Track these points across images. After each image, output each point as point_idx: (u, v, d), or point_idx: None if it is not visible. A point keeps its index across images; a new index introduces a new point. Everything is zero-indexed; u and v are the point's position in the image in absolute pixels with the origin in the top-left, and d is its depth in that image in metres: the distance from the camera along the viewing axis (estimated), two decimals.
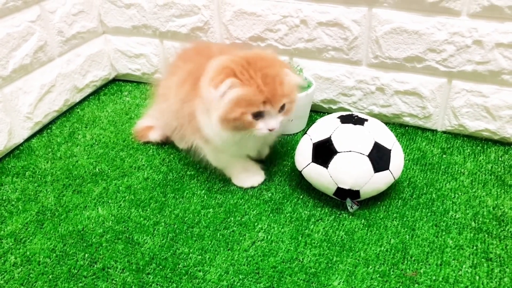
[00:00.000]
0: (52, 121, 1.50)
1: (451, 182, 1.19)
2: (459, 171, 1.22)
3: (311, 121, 1.43)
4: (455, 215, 1.09)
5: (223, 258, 1.00)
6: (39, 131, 1.45)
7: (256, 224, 1.08)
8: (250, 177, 1.20)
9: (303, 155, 1.11)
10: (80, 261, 1.01)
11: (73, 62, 1.53)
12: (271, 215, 1.11)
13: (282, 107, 1.04)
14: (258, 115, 1.01)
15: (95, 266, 0.99)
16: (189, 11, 1.49)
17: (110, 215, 1.12)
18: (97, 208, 1.14)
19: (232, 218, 1.10)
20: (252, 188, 1.19)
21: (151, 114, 1.38)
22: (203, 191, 1.19)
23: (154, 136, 1.36)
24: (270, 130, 1.03)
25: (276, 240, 1.04)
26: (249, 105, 0.99)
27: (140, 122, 1.41)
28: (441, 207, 1.11)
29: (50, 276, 0.97)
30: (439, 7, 1.21)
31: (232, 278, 0.96)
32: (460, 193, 1.15)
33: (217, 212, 1.12)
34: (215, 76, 1.01)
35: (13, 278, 0.97)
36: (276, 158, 1.30)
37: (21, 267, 1.00)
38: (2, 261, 1.01)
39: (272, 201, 1.15)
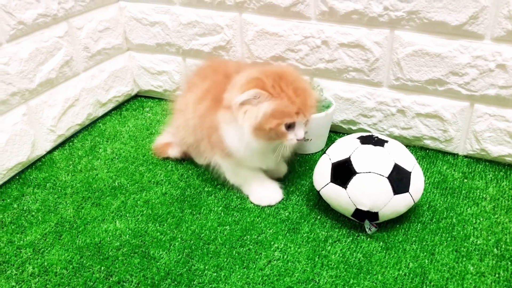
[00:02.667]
0: (74, 134, 1.52)
1: (472, 207, 1.16)
2: (480, 196, 1.20)
3: (330, 141, 1.42)
4: (477, 241, 1.06)
5: (239, 276, 0.99)
6: (61, 144, 1.48)
7: (272, 243, 1.08)
8: (267, 195, 1.20)
9: (321, 175, 1.11)
10: (96, 273, 1.01)
11: (97, 77, 1.57)
12: (287, 234, 1.10)
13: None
14: (290, 126, 1.06)
15: (111, 279, 0.99)
16: (212, 30, 1.51)
17: (128, 229, 1.13)
18: (115, 222, 1.15)
19: (249, 236, 1.10)
20: (270, 206, 1.19)
21: (170, 130, 1.40)
22: (220, 208, 1.19)
23: (173, 152, 1.37)
24: (298, 140, 1.08)
25: (292, 260, 1.03)
26: (284, 116, 1.04)
27: (160, 139, 1.42)
28: (461, 232, 1.09)
29: None
30: (462, 30, 1.21)
31: None
32: (481, 219, 1.13)
33: (233, 230, 1.12)
34: (244, 85, 1.05)
35: None
36: (294, 177, 1.29)
37: (39, 278, 1.00)
38: (20, 270, 1.02)
39: (289, 221, 1.14)
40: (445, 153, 1.38)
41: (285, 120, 1.04)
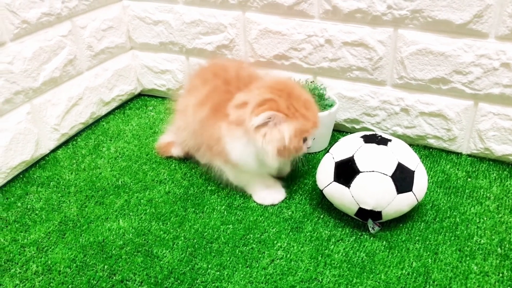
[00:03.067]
0: (78, 133, 1.53)
1: (476, 206, 1.16)
2: (484, 196, 1.20)
3: (333, 140, 1.42)
4: (480, 240, 1.06)
5: (242, 275, 0.99)
6: (65, 143, 1.48)
7: (275, 242, 1.08)
8: (270, 194, 1.19)
9: (324, 174, 1.10)
10: (99, 272, 1.01)
11: (101, 76, 1.57)
12: (290, 233, 1.10)
13: None
14: (305, 139, 1.10)
15: (114, 278, 1.00)
16: (215, 29, 1.51)
17: (131, 228, 1.13)
18: (118, 220, 1.15)
19: (252, 235, 1.10)
20: (273, 205, 1.19)
21: (172, 129, 1.40)
22: (223, 207, 1.19)
23: (176, 151, 1.37)
24: (308, 148, 1.13)
25: (295, 259, 1.03)
26: (302, 133, 1.08)
27: (163, 138, 1.42)
28: (465, 232, 1.08)
29: (69, 286, 0.98)
30: (466, 29, 1.20)
31: None
32: (485, 218, 1.12)
33: (236, 229, 1.12)
34: (258, 107, 1.06)
35: (34, 286, 0.98)
36: (297, 176, 1.29)
37: (42, 276, 1.01)
38: (24, 269, 1.03)
39: (292, 220, 1.14)
40: (448, 152, 1.38)
41: (303, 135, 1.08)
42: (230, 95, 1.14)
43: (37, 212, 1.19)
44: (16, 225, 1.15)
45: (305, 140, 1.10)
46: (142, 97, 1.77)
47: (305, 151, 1.12)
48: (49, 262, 1.04)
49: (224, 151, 1.13)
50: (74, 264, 1.03)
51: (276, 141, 1.06)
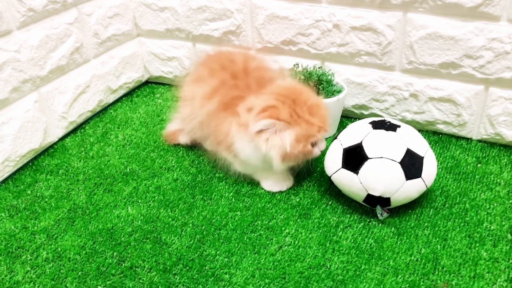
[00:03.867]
0: (86, 121, 1.53)
1: (486, 192, 1.15)
2: (494, 181, 1.18)
3: (342, 127, 1.41)
4: (490, 227, 1.05)
5: (250, 262, 1.00)
6: (73, 131, 1.48)
7: (283, 228, 1.08)
8: (278, 181, 1.19)
9: (333, 161, 1.10)
10: (108, 259, 1.02)
11: (108, 63, 1.57)
12: (299, 220, 1.10)
13: None
14: (315, 143, 1.10)
15: (123, 264, 1.01)
16: (222, 15, 1.50)
17: (139, 215, 1.13)
18: (127, 208, 1.16)
19: (260, 222, 1.10)
20: (280, 192, 1.19)
21: (179, 117, 1.40)
22: (231, 194, 1.19)
23: (184, 139, 1.37)
24: (321, 150, 1.13)
25: (304, 246, 1.03)
26: (308, 138, 1.07)
27: (170, 125, 1.42)
28: (475, 218, 1.08)
29: (79, 273, 0.99)
30: (477, 12, 1.18)
31: (258, 282, 0.95)
32: (495, 204, 1.11)
33: (244, 215, 1.12)
34: (259, 113, 1.07)
35: (45, 273, 0.99)
36: (305, 163, 1.28)
37: (52, 263, 1.02)
38: (35, 256, 1.04)
39: (300, 206, 1.14)
40: (458, 138, 1.36)
41: (309, 140, 1.08)
42: (238, 89, 1.15)
43: (46, 199, 1.20)
44: (26, 213, 1.16)
45: (314, 144, 1.10)
46: (149, 85, 1.77)
47: (318, 154, 1.12)
48: (59, 249, 1.05)
49: (233, 147, 1.14)
50: (84, 251, 1.04)
51: (278, 147, 1.07)
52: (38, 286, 0.97)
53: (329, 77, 1.35)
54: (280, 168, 1.12)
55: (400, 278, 0.94)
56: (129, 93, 1.70)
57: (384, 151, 1.02)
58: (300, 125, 1.06)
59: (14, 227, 1.12)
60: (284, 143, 1.06)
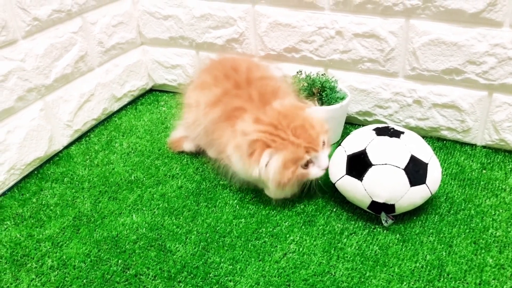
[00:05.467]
0: (91, 129, 1.54)
1: (491, 198, 1.15)
2: (500, 187, 1.18)
3: (345, 133, 1.41)
4: (496, 233, 1.05)
5: (254, 269, 0.99)
6: (78, 139, 1.49)
7: (288, 235, 1.08)
8: None
9: (337, 167, 1.10)
10: (113, 266, 1.02)
11: (112, 72, 1.58)
12: (303, 227, 1.10)
13: (323, 143, 1.09)
14: (307, 164, 1.08)
15: (128, 272, 1.01)
16: (225, 22, 1.51)
17: (144, 222, 1.14)
18: (132, 215, 1.16)
19: (264, 229, 1.10)
20: (285, 199, 1.18)
21: (183, 124, 1.40)
22: (236, 201, 1.19)
23: (188, 146, 1.37)
24: (323, 169, 1.10)
25: (308, 253, 1.03)
26: (295, 161, 1.06)
27: (175, 133, 1.43)
28: (480, 224, 1.07)
29: (84, 281, 0.99)
30: (479, 18, 1.18)
31: None
32: (501, 210, 1.11)
33: (249, 223, 1.12)
34: (253, 153, 1.07)
35: (50, 280, 1.00)
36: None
37: (57, 271, 1.02)
38: (40, 263, 1.04)
39: (305, 213, 1.14)
40: (462, 144, 1.36)
41: (298, 163, 1.06)
42: (240, 100, 1.16)
43: (51, 207, 1.20)
44: (32, 221, 1.16)
45: (308, 163, 1.08)
46: (153, 93, 1.78)
47: (318, 174, 1.10)
48: (64, 257, 1.05)
49: (231, 162, 1.16)
50: (89, 259, 1.04)
51: (272, 177, 1.06)
52: None
53: (332, 84, 1.35)
54: (281, 196, 1.14)
55: (405, 285, 0.94)
56: (134, 101, 1.71)
57: (388, 157, 1.02)
58: (286, 148, 1.05)
59: (20, 235, 1.12)
60: (270, 173, 1.06)
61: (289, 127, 1.06)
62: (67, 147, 1.45)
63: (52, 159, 1.40)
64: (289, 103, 1.14)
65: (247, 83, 1.19)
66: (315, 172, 1.10)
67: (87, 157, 1.40)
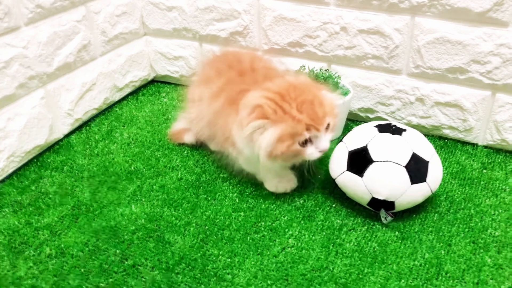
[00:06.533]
0: (91, 119, 1.53)
1: (491, 198, 1.14)
2: (500, 188, 1.18)
3: (347, 130, 1.41)
4: (495, 233, 1.04)
5: (252, 263, 0.99)
6: (79, 128, 1.49)
7: (286, 230, 1.07)
8: (282, 182, 1.19)
9: (337, 163, 1.10)
10: (111, 256, 1.02)
11: (114, 62, 1.57)
12: (302, 222, 1.10)
13: (328, 126, 1.04)
14: (305, 142, 1.02)
15: (126, 262, 1.01)
16: (229, 15, 1.50)
17: (143, 213, 1.13)
18: (131, 206, 1.16)
19: (263, 223, 1.10)
20: (284, 194, 1.18)
21: (185, 116, 1.40)
22: (235, 194, 1.19)
23: (189, 138, 1.37)
24: (321, 151, 1.04)
25: (307, 248, 1.03)
26: (293, 136, 1.01)
27: (176, 125, 1.42)
28: (479, 224, 1.07)
29: (82, 270, 0.99)
30: (485, 17, 1.18)
31: (261, 283, 0.95)
32: (500, 210, 1.11)
33: (248, 216, 1.12)
34: (249, 115, 1.03)
35: (47, 269, 1.00)
36: (304, 164, 1.28)
37: (55, 259, 1.02)
38: (38, 251, 1.04)
39: (304, 208, 1.14)
40: (464, 143, 1.36)
41: (296, 139, 1.01)
42: (245, 85, 1.12)
43: (50, 196, 1.20)
44: (30, 209, 1.16)
45: (306, 142, 1.02)
46: (155, 84, 1.77)
47: (314, 156, 1.04)
48: (62, 245, 1.05)
49: (235, 143, 1.13)
50: (87, 248, 1.04)
51: (263, 148, 1.02)
52: (41, 282, 0.97)
53: (335, 79, 1.35)
54: (272, 166, 1.09)
55: (403, 282, 0.94)
56: (135, 92, 1.70)
57: (390, 154, 1.02)
58: (285, 122, 1.00)
59: (18, 222, 1.12)
60: (264, 143, 1.01)
61: (296, 100, 1.01)
62: (67, 135, 1.45)
63: (52, 148, 1.39)
64: (304, 78, 1.09)
65: (251, 71, 1.17)
66: (310, 152, 1.04)
67: (87, 146, 1.40)
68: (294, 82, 1.07)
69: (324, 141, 1.04)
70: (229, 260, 1.00)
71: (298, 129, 1.00)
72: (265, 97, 1.03)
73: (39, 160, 1.34)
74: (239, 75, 1.17)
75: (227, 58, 1.27)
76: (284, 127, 1.00)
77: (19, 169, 1.30)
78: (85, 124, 1.51)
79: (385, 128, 1.07)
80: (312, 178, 1.16)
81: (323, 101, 1.04)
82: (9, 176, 1.27)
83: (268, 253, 1.02)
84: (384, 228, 1.07)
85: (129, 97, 1.67)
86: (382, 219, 1.06)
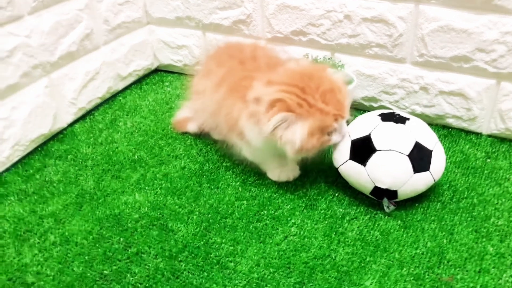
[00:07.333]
0: (95, 108, 1.54)
1: (494, 187, 1.14)
2: (503, 177, 1.17)
3: (350, 119, 1.40)
4: (497, 222, 1.04)
5: (255, 251, 1.00)
6: (82, 117, 1.49)
7: (289, 218, 1.08)
8: (285, 171, 1.19)
9: (340, 152, 1.09)
10: (115, 244, 1.03)
11: (118, 51, 1.57)
12: (304, 210, 1.10)
13: None
14: (332, 131, 1.03)
15: (130, 250, 1.01)
16: (232, 3, 1.49)
17: (146, 202, 1.14)
18: (134, 194, 1.17)
19: (266, 211, 1.10)
20: (287, 182, 1.18)
21: (189, 105, 1.40)
22: (238, 183, 1.19)
23: (192, 127, 1.37)
24: (343, 135, 1.07)
25: (309, 236, 1.03)
26: (323, 129, 1.01)
27: (179, 113, 1.43)
28: (482, 213, 1.07)
29: (86, 257, 1.00)
30: (491, 4, 1.16)
31: (263, 270, 0.95)
32: (503, 200, 1.10)
33: (250, 205, 1.12)
34: (269, 110, 1.00)
35: (52, 256, 1.01)
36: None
37: (60, 247, 1.03)
38: (43, 239, 1.05)
39: (307, 197, 1.14)
40: (468, 132, 1.35)
41: (325, 131, 1.01)
42: (247, 72, 1.11)
43: (55, 184, 1.21)
44: (35, 197, 1.17)
45: (330, 133, 1.03)
46: (158, 73, 1.77)
47: (338, 140, 1.06)
48: (67, 233, 1.06)
49: (243, 134, 1.12)
50: (91, 236, 1.05)
51: (291, 143, 1.00)
52: (46, 269, 0.98)
53: (339, 68, 1.34)
54: (296, 159, 1.11)
55: (405, 270, 0.94)
56: (139, 81, 1.70)
57: (393, 143, 1.02)
58: (313, 116, 0.98)
59: (23, 210, 1.13)
60: (295, 138, 0.99)
61: (318, 91, 0.99)
62: (71, 124, 1.45)
63: (56, 136, 1.40)
64: (306, 63, 1.07)
65: (252, 59, 1.16)
66: (336, 138, 1.05)
67: (91, 135, 1.41)
68: (305, 70, 1.04)
69: (345, 125, 1.06)
70: (231, 248, 1.01)
71: (328, 121, 1.00)
72: (283, 91, 1.00)
73: (44, 149, 1.35)
74: (240, 63, 1.16)
75: (229, 49, 1.27)
76: (313, 121, 0.99)
77: (24, 157, 1.31)
78: (89, 113, 1.51)
79: (388, 117, 1.07)
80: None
81: (339, 86, 1.03)
82: (14, 165, 1.28)
83: (271, 241, 1.02)
84: (386, 217, 1.07)
85: (133, 86, 1.67)
86: (385, 208, 1.06)
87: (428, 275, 0.93)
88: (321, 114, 0.99)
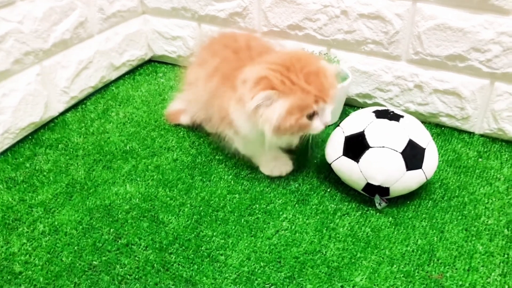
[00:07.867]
0: (87, 97, 1.52)
1: (485, 186, 1.15)
2: (494, 176, 1.18)
3: (344, 115, 1.40)
4: (487, 221, 1.05)
5: (246, 244, 1.00)
6: (74, 106, 1.47)
7: (281, 213, 1.08)
8: (278, 166, 1.19)
9: (334, 148, 1.09)
10: (105, 235, 1.02)
11: (112, 40, 1.55)
12: (296, 205, 1.10)
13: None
14: (312, 115, 1.01)
15: (119, 241, 1.01)
16: None
17: (138, 193, 1.13)
18: (125, 185, 1.16)
19: (257, 205, 1.10)
20: (279, 177, 1.18)
21: (182, 97, 1.39)
22: (230, 176, 1.19)
23: (185, 119, 1.36)
24: (325, 124, 1.03)
25: (300, 231, 1.03)
26: (302, 109, 0.99)
27: (172, 105, 1.41)
28: (472, 212, 1.08)
29: (75, 248, 0.99)
30: (487, 4, 1.16)
31: (254, 264, 0.95)
32: (494, 199, 1.11)
33: (242, 198, 1.12)
34: (253, 88, 0.99)
35: (41, 246, 1.00)
36: (306, 149, 1.28)
37: (49, 236, 1.02)
38: (32, 228, 1.04)
39: (299, 192, 1.14)
40: (460, 131, 1.36)
41: (304, 112, 0.99)
42: (240, 62, 1.10)
43: (45, 173, 1.20)
44: (24, 186, 1.16)
45: (312, 115, 1.01)
46: (152, 63, 1.75)
47: (320, 129, 1.03)
48: (56, 223, 1.05)
49: (233, 123, 1.11)
50: (80, 226, 1.04)
51: (270, 121, 0.99)
52: (34, 259, 0.97)
53: (334, 64, 1.34)
54: (275, 143, 1.07)
55: (395, 267, 0.94)
56: (132, 71, 1.69)
57: (386, 140, 1.02)
58: (294, 94, 0.97)
59: (12, 199, 1.12)
60: (273, 115, 0.97)
61: (302, 71, 0.99)
62: (62, 113, 1.44)
63: (47, 125, 1.38)
64: (302, 51, 1.06)
65: (246, 49, 1.14)
66: (316, 125, 1.02)
67: (83, 124, 1.39)
68: (295, 53, 1.04)
69: (328, 113, 1.03)
70: (222, 241, 1.01)
71: (308, 101, 0.98)
72: (269, 69, 1.00)
73: (34, 137, 1.33)
74: (234, 53, 1.14)
75: (223, 39, 1.25)
76: (293, 99, 0.97)
77: (14, 146, 1.29)
78: (81, 102, 1.50)
79: (382, 114, 1.07)
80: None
81: (326, 73, 1.02)
82: (3, 153, 1.27)
83: (262, 235, 1.02)
84: (377, 214, 1.07)
85: (126, 76, 1.66)
86: (377, 204, 1.07)
87: (418, 272, 0.93)
88: (301, 93, 0.98)
